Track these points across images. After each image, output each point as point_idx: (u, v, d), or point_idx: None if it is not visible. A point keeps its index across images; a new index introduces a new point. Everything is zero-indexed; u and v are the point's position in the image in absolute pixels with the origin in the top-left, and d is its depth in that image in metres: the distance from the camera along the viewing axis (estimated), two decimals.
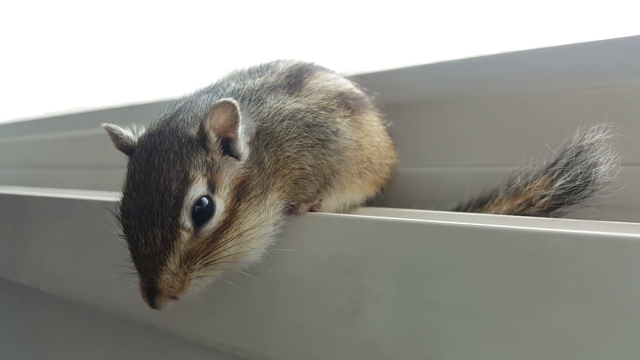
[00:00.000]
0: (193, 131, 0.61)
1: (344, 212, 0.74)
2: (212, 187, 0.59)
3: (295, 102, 0.69)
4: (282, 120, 0.66)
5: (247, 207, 0.61)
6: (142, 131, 0.68)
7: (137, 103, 1.45)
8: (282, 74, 0.74)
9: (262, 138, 0.65)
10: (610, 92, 0.77)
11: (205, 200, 0.58)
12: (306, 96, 0.71)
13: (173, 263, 0.57)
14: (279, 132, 0.65)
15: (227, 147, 0.62)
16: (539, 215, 0.69)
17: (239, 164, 0.62)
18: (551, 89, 0.82)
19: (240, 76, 0.78)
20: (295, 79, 0.73)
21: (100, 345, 1.06)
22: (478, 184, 0.84)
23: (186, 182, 0.58)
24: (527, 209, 0.72)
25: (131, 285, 0.61)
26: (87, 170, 1.59)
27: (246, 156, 0.63)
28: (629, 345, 0.43)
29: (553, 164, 0.70)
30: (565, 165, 0.68)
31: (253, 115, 0.66)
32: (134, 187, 0.60)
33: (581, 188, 0.65)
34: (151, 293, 0.58)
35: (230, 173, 0.61)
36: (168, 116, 0.66)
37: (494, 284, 0.50)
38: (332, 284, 0.61)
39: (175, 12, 1.53)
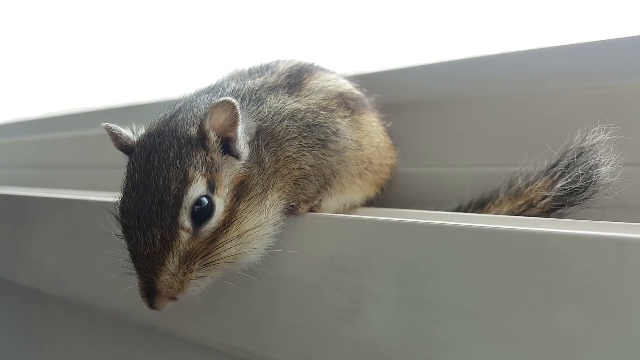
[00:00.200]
0: (193, 131, 0.61)
1: (344, 213, 0.74)
2: (211, 186, 0.59)
3: (295, 102, 0.69)
4: (282, 120, 0.66)
5: (246, 207, 0.61)
6: (142, 131, 0.68)
7: (136, 103, 1.45)
8: (282, 74, 0.74)
9: (262, 138, 0.65)
10: (611, 92, 0.77)
11: (205, 200, 0.58)
12: (306, 96, 0.71)
13: (172, 263, 0.57)
14: (279, 132, 0.65)
15: (227, 146, 0.62)
16: (540, 216, 0.69)
17: (238, 163, 0.62)
18: (552, 90, 0.82)
19: (240, 76, 0.78)
20: (295, 79, 0.73)
21: (99, 345, 1.06)
22: (478, 184, 0.83)
23: (185, 182, 0.58)
24: (528, 210, 0.72)
25: (131, 285, 0.60)
26: (86, 171, 1.58)
27: (246, 156, 0.63)
28: (629, 346, 0.43)
29: (554, 165, 0.70)
30: (566, 167, 0.68)
31: (253, 115, 0.66)
32: (133, 187, 0.59)
33: (582, 189, 0.65)
34: (150, 294, 0.58)
35: (229, 173, 0.61)
36: (168, 116, 0.66)
37: (494, 284, 0.50)
38: (332, 284, 0.61)
39: (175, 12, 1.53)
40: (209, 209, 0.58)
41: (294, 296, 0.64)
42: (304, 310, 0.63)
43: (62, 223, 1.01)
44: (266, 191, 0.63)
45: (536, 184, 0.72)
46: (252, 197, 0.61)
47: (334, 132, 0.69)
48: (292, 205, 0.65)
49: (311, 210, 0.67)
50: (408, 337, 0.55)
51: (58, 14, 1.87)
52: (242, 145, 0.62)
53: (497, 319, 0.49)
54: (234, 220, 0.60)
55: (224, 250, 0.59)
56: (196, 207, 0.58)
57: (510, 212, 0.74)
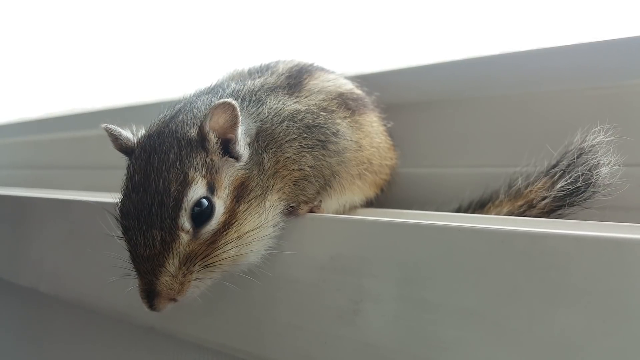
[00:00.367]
0: (193, 132, 0.61)
1: (344, 214, 0.74)
2: (211, 188, 0.59)
3: (295, 103, 0.69)
4: (282, 121, 0.66)
5: (246, 209, 0.61)
6: (142, 132, 0.67)
7: (136, 104, 1.45)
8: (282, 75, 0.74)
9: (262, 139, 0.65)
10: (611, 93, 0.77)
11: (205, 201, 0.58)
12: (306, 97, 0.71)
13: (172, 265, 0.57)
14: (279, 133, 0.65)
15: (227, 148, 0.61)
16: (540, 217, 0.69)
17: (238, 165, 0.62)
18: (552, 90, 0.82)
19: (240, 77, 0.78)
20: (295, 79, 0.73)
21: (99, 346, 1.06)
22: (478, 185, 0.83)
23: (185, 184, 0.57)
24: (528, 210, 0.72)
25: (131, 286, 0.60)
26: (86, 171, 1.58)
27: (246, 157, 0.63)
28: (629, 346, 0.43)
29: (554, 166, 0.70)
30: (566, 167, 0.68)
31: (253, 116, 0.66)
32: (133, 189, 0.59)
33: (582, 190, 0.65)
34: (150, 295, 0.58)
35: (229, 174, 0.61)
36: (167, 117, 0.66)
37: (493, 284, 0.50)
38: (332, 285, 0.61)
39: (175, 13, 1.53)
40: (209, 211, 0.58)
41: (293, 297, 0.64)
42: (303, 311, 0.63)
43: (62, 224, 1.01)
44: (266, 192, 0.63)
45: (536, 185, 0.72)
46: (252, 199, 0.61)
47: (334, 133, 0.69)
48: (292, 206, 0.65)
49: (311, 211, 0.67)
50: (408, 337, 0.55)
51: (58, 14, 1.87)
52: (242, 147, 0.62)
53: (497, 320, 0.49)
54: (234, 222, 0.60)
55: (224, 252, 0.59)
56: (196, 208, 0.58)
57: (510, 213, 0.74)
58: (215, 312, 0.72)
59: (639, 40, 0.75)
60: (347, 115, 0.72)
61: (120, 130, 0.67)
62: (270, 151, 0.64)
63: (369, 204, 0.81)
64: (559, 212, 0.69)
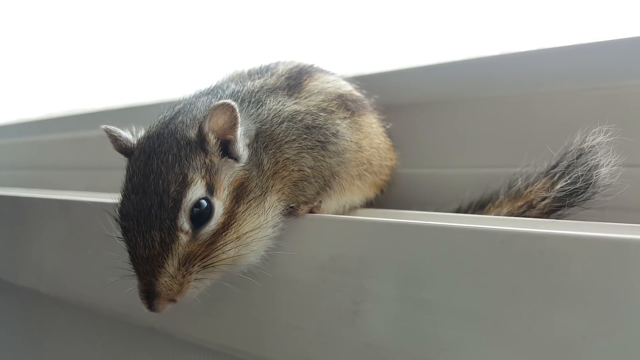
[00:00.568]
0: (192, 133, 0.61)
1: (343, 214, 0.74)
2: (210, 189, 0.59)
3: (294, 104, 0.69)
4: (282, 122, 0.66)
5: (246, 209, 0.61)
6: (141, 133, 0.67)
7: (136, 104, 1.45)
8: (281, 76, 0.74)
9: (262, 140, 0.65)
10: (611, 93, 0.77)
11: (204, 202, 0.58)
12: (306, 98, 0.71)
13: (171, 266, 0.57)
14: (278, 134, 0.65)
15: (226, 149, 0.61)
16: (540, 218, 0.69)
17: (238, 166, 0.62)
18: (551, 91, 0.82)
19: (239, 78, 0.78)
20: (295, 80, 0.73)
21: (99, 346, 1.06)
22: (478, 185, 0.83)
23: (184, 185, 0.58)
24: (527, 211, 0.72)
25: (130, 287, 0.60)
26: (86, 172, 1.58)
27: (245, 158, 0.63)
28: (629, 347, 0.43)
29: (554, 166, 0.70)
30: (566, 168, 0.68)
31: (252, 117, 0.66)
32: (132, 190, 0.59)
33: (582, 190, 0.65)
34: (150, 296, 0.58)
35: (229, 175, 0.61)
36: (167, 118, 0.66)
37: (493, 285, 0.50)
38: (332, 285, 0.61)
39: (175, 14, 1.53)
40: (208, 212, 0.58)
41: (293, 297, 0.64)
42: (303, 312, 0.63)
43: (62, 224, 1.01)
44: (265, 193, 0.63)
45: (536, 185, 0.72)
46: (251, 199, 0.61)
47: (333, 133, 0.69)
48: (291, 207, 0.65)
49: (311, 212, 0.67)
50: (408, 338, 0.55)
51: (59, 15, 1.87)
52: (242, 148, 0.62)
53: (497, 320, 0.49)
54: (233, 223, 0.60)
55: (223, 253, 0.59)
56: (195, 209, 0.58)
57: (510, 213, 0.74)
58: (214, 312, 0.72)
59: (638, 41, 0.75)
60: (347, 116, 0.72)
61: (120, 131, 0.67)
62: (270, 152, 0.64)
63: (369, 204, 0.81)
64: (559, 212, 0.69)
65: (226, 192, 0.60)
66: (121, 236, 0.60)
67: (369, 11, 1.14)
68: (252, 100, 0.68)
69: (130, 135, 0.67)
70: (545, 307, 0.47)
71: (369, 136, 0.76)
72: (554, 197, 0.68)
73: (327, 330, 0.61)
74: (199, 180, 0.58)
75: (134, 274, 0.60)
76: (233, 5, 1.39)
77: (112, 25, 1.72)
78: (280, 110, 0.67)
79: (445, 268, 0.53)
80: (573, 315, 0.46)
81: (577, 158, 0.67)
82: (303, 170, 0.66)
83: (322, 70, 0.80)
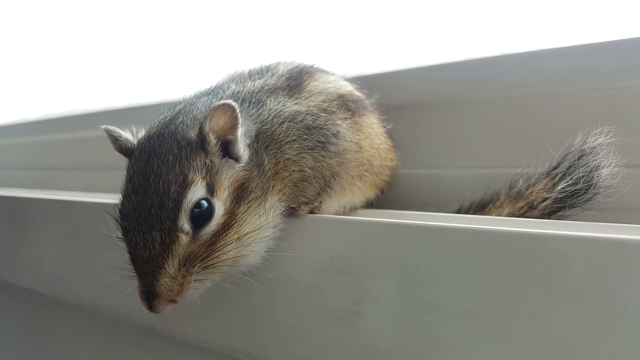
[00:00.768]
0: (192, 134, 0.61)
1: (344, 215, 0.74)
2: (211, 189, 0.59)
3: (295, 104, 0.69)
4: (282, 123, 0.66)
5: (246, 210, 0.61)
6: (142, 133, 0.67)
7: (137, 105, 1.45)
8: (282, 76, 0.74)
9: (262, 140, 0.65)
10: (611, 94, 0.77)
11: (204, 203, 0.58)
12: (306, 98, 0.71)
13: (172, 266, 0.57)
14: (279, 135, 0.65)
15: (227, 149, 0.61)
16: (541, 218, 0.69)
17: (238, 166, 0.62)
18: (552, 91, 0.82)
19: (240, 78, 0.78)
20: (295, 81, 0.73)
21: (99, 347, 1.06)
22: (479, 186, 0.83)
23: (185, 185, 0.57)
24: (528, 211, 0.72)
25: (130, 288, 0.60)
26: (86, 172, 1.58)
27: (246, 158, 0.63)
28: (629, 347, 0.43)
29: (555, 167, 0.70)
30: (567, 169, 0.68)
31: (253, 117, 0.66)
32: (132, 190, 0.59)
33: (583, 191, 0.65)
34: (150, 297, 0.58)
35: (229, 175, 0.61)
36: (167, 118, 0.66)
37: (494, 285, 0.50)
38: (332, 286, 0.61)
39: (175, 14, 1.53)
40: (209, 212, 0.58)
41: (294, 298, 0.64)
42: (303, 312, 0.63)
43: (62, 225, 1.01)
44: (266, 194, 0.62)
45: (537, 186, 0.71)
46: (251, 200, 0.61)
47: (334, 134, 0.69)
48: (292, 207, 0.65)
49: (311, 212, 0.67)
50: (408, 339, 0.55)
51: (59, 15, 1.87)
52: (242, 148, 0.62)
53: (498, 321, 0.49)
54: (234, 223, 0.60)
55: (224, 253, 0.59)
56: (196, 210, 0.58)
57: (511, 214, 0.74)
58: (215, 313, 0.72)
59: (639, 41, 0.75)
60: (347, 116, 0.72)
61: (120, 131, 0.67)
62: (270, 152, 0.64)
63: (369, 205, 0.81)
64: (560, 213, 0.69)
65: (227, 193, 0.60)
66: (121, 237, 0.60)
67: (369, 12, 1.14)
68: (253, 100, 0.68)
69: (131, 135, 0.67)
70: (545, 307, 0.47)
71: (370, 137, 0.76)
72: (555, 198, 0.68)
73: (327, 330, 0.61)
74: (200, 181, 0.58)
75: (134, 274, 0.59)
76: (233, 6, 1.39)
77: (112, 26, 1.72)
78: (280, 111, 0.67)
79: (446, 268, 0.53)
80: (573, 316, 0.46)
81: (578, 159, 0.67)
82: (304, 171, 0.66)
83: (322, 71, 0.80)
